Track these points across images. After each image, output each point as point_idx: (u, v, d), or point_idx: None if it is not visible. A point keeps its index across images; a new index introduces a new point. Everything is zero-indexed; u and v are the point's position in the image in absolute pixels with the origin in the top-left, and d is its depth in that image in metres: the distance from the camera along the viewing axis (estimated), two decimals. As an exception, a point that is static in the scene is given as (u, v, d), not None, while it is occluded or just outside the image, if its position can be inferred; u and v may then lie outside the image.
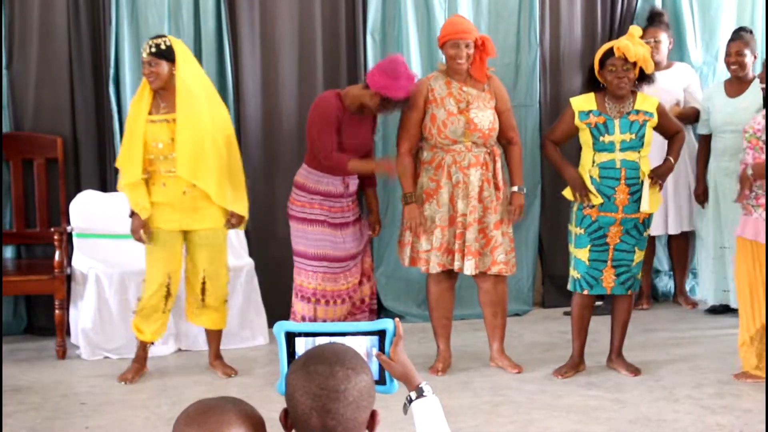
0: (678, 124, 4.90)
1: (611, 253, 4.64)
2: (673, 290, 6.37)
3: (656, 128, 4.68)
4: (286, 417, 1.87)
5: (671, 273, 6.38)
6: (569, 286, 4.78)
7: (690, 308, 6.14)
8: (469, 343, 5.36)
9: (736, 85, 5.64)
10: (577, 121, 4.62)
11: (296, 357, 2.00)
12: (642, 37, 4.67)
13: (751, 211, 4.49)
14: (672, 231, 6.01)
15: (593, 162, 4.60)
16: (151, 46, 4.58)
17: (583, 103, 4.64)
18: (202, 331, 5.08)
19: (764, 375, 4.52)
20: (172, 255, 4.69)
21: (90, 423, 4.22)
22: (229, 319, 5.00)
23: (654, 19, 5.92)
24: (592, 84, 4.66)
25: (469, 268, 4.72)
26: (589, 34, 6.18)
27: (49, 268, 5.16)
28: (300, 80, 5.80)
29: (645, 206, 4.57)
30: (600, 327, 5.07)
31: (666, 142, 4.84)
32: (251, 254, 5.52)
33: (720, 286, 5.74)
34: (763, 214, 4.44)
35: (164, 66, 4.57)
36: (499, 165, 4.81)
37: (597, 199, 4.57)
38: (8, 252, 5.65)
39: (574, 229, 4.68)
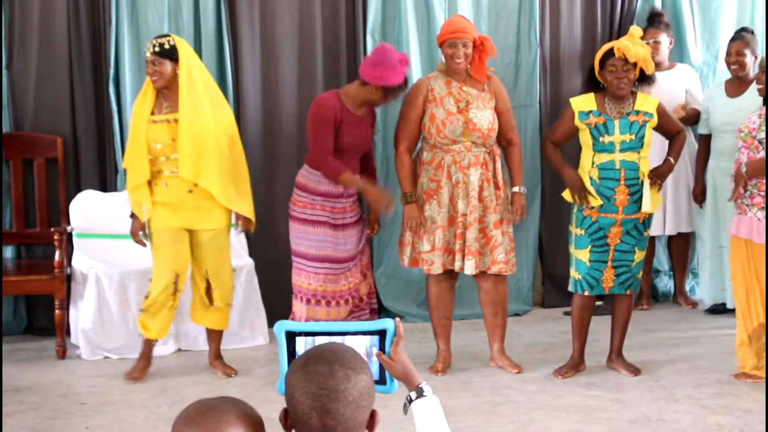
0: (679, 124, 4.90)
1: (611, 253, 4.64)
2: (673, 290, 6.37)
3: (657, 129, 4.68)
4: (286, 417, 1.87)
5: (671, 273, 6.38)
6: (570, 288, 4.78)
7: (690, 308, 6.14)
8: (469, 343, 5.36)
9: (737, 85, 5.64)
10: (577, 122, 4.62)
11: (297, 356, 2.00)
12: (642, 38, 4.67)
13: (746, 210, 4.50)
14: (669, 232, 6.01)
15: (593, 163, 4.59)
16: (154, 46, 4.58)
17: (583, 103, 4.64)
18: (202, 331, 5.09)
19: (764, 375, 4.52)
20: (178, 253, 4.68)
21: (90, 423, 4.22)
22: (230, 319, 5.00)
23: (654, 20, 5.92)
24: (592, 84, 4.66)
25: (470, 267, 4.72)
26: (589, 35, 6.18)
27: (49, 268, 5.16)
28: (300, 80, 5.80)
29: (646, 206, 4.57)
30: (600, 327, 5.07)
31: (666, 142, 4.84)
32: (251, 254, 5.52)
33: (719, 285, 5.74)
34: (759, 214, 4.44)
35: (168, 65, 4.57)
36: (498, 164, 4.81)
37: (596, 201, 4.57)
38: (8, 252, 5.65)
39: (575, 230, 4.68)
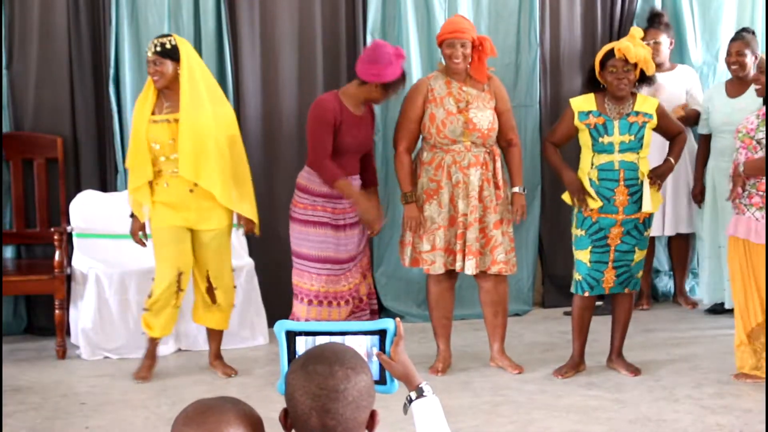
0: (679, 125, 4.90)
1: (612, 254, 4.64)
2: (673, 290, 6.37)
3: (657, 129, 4.68)
4: (286, 417, 1.87)
5: (671, 273, 6.38)
6: (572, 289, 4.77)
7: (690, 308, 6.14)
8: (469, 343, 5.36)
9: (737, 85, 5.64)
10: (576, 122, 4.62)
11: (297, 356, 2.00)
12: (642, 39, 4.66)
13: (744, 210, 4.50)
14: (668, 232, 6.01)
15: (592, 164, 4.59)
16: (156, 45, 4.57)
17: (582, 103, 4.64)
18: (202, 331, 5.09)
19: (764, 375, 4.52)
20: (180, 252, 4.68)
21: (90, 423, 4.22)
22: (230, 319, 5.00)
23: (654, 21, 5.91)
24: (592, 84, 4.66)
25: (470, 267, 4.72)
26: (589, 35, 6.18)
27: (49, 268, 5.16)
28: (300, 80, 5.80)
29: (647, 206, 4.57)
30: (600, 327, 5.07)
31: (666, 143, 4.84)
32: (251, 254, 5.52)
33: (718, 285, 5.74)
34: (757, 213, 4.44)
35: (169, 65, 4.57)
36: (498, 164, 4.80)
37: (595, 204, 4.57)
38: (8, 252, 5.65)
39: (576, 231, 4.68)
